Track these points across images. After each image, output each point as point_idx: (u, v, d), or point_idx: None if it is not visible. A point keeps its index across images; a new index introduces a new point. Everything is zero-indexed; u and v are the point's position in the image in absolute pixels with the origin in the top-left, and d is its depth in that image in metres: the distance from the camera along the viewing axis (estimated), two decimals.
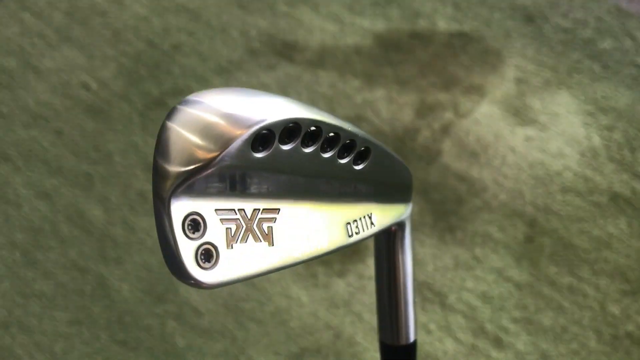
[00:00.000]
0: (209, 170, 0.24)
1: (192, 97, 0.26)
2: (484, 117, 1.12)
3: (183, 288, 0.92)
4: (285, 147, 0.26)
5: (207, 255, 0.25)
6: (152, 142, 1.09)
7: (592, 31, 1.23)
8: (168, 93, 1.15)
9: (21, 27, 1.27)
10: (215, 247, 0.25)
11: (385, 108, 1.12)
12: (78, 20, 1.28)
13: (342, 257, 0.96)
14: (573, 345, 0.88)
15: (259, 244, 0.27)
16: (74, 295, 0.92)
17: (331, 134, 0.28)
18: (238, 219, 0.26)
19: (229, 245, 0.26)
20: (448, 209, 1.01)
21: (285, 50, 1.22)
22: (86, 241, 0.97)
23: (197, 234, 0.25)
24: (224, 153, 0.24)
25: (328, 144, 0.28)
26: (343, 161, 0.29)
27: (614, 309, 0.90)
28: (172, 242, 0.24)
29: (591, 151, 1.07)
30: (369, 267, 0.95)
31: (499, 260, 0.95)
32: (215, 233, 0.25)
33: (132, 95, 1.14)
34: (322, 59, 1.21)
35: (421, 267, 0.95)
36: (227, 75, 1.17)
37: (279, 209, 0.28)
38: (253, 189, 0.27)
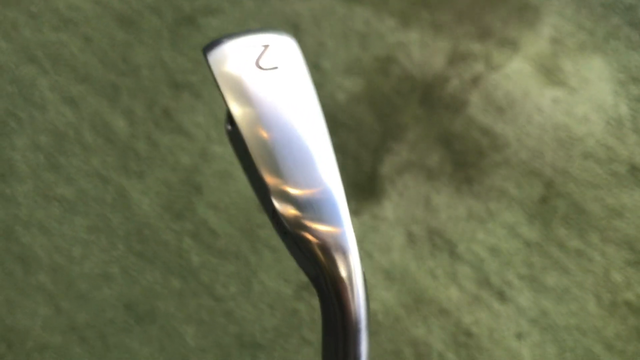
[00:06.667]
0: None
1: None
2: (515, 73, 1.11)
3: (201, 208, 0.94)
4: None
5: None
6: (181, 59, 1.09)
7: None
8: (200, 10, 1.13)
9: None
10: None
11: (418, 52, 1.11)
12: None
13: (358, 196, 0.98)
14: (572, 306, 0.91)
15: None
16: (94, 203, 0.94)
17: None
18: None
19: None
20: (468, 160, 1.02)
21: None
22: (109, 151, 0.98)
23: None
24: None
25: None
26: None
27: (617, 277, 0.93)
28: None
29: (617, 120, 1.07)
30: (384, 208, 0.97)
31: (511, 217, 0.97)
32: None
33: (163, 9, 1.12)
34: None
35: (434, 214, 0.97)
36: (261, 1, 1.15)
37: None
38: None
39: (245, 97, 0.29)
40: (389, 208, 0.97)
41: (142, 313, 0.88)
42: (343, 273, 0.28)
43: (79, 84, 1.03)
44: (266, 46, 0.31)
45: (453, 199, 0.98)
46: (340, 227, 0.28)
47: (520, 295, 0.91)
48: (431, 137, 1.04)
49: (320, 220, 0.28)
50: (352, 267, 0.28)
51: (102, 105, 1.02)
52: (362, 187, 0.99)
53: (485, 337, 0.88)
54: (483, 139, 1.04)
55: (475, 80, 1.09)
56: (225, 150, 0.99)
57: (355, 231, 1.02)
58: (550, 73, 1.11)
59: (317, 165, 0.29)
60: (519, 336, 0.89)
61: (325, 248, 0.28)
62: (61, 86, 1.03)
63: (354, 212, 0.96)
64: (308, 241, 0.28)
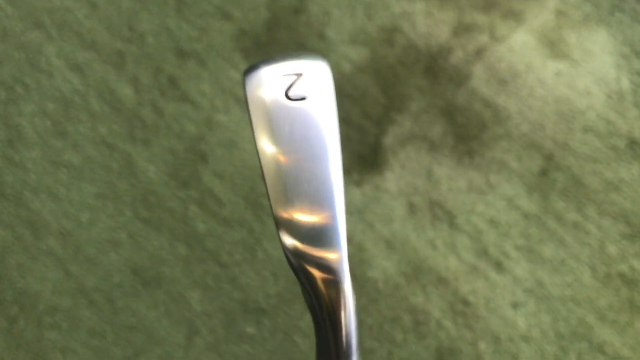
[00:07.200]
0: None
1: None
2: (519, 45, 1.11)
3: (206, 177, 0.96)
4: None
5: None
6: (186, 27, 1.09)
7: None
8: None
9: None
10: None
11: (423, 23, 1.11)
12: None
13: (361, 167, 0.99)
14: (567, 277, 0.93)
15: None
16: (101, 170, 0.95)
17: None
18: None
19: None
20: (470, 133, 1.03)
21: None
22: (116, 119, 0.99)
23: None
24: None
25: None
26: None
27: (612, 249, 0.95)
28: None
29: (618, 94, 1.07)
30: (386, 179, 0.99)
31: (511, 189, 0.99)
32: None
33: None
34: None
35: (435, 186, 0.98)
36: None
37: None
38: None
39: (267, 126, 0.31)
40: (391, 179, 0.99)
41: (148, 278, 0.90)
42: (336, 305, 0.30)
43: (85, 51, 1.04)
44: (299, 75, 0.32)
45: (454, 171, 1.00)
46: (338, 258, 0.30)
47: (517, 266, 0.93)
48: (434, 108, 1.05)
49: (319, 253, 0.30)
50: (346, 298, 0.30)
51: (108, 72, 1.02)
52: (365, 158, 1.00)
53: (482, 306, 0.91)
54: (485, 112, 1.05)
55: (479, 52, 1.10)
56: (230, 120, 1.00)
57: (357, 201, 1.04)
58: (553, 45, 1.11)
59: (323, 200, 0.30)
60: (515, 306, 0.92)
61: (323, 281, 0.30)
62: (67, 53, 1.03)
63: (356, 182, 0.98)
64: (308, 272, 0.30)
